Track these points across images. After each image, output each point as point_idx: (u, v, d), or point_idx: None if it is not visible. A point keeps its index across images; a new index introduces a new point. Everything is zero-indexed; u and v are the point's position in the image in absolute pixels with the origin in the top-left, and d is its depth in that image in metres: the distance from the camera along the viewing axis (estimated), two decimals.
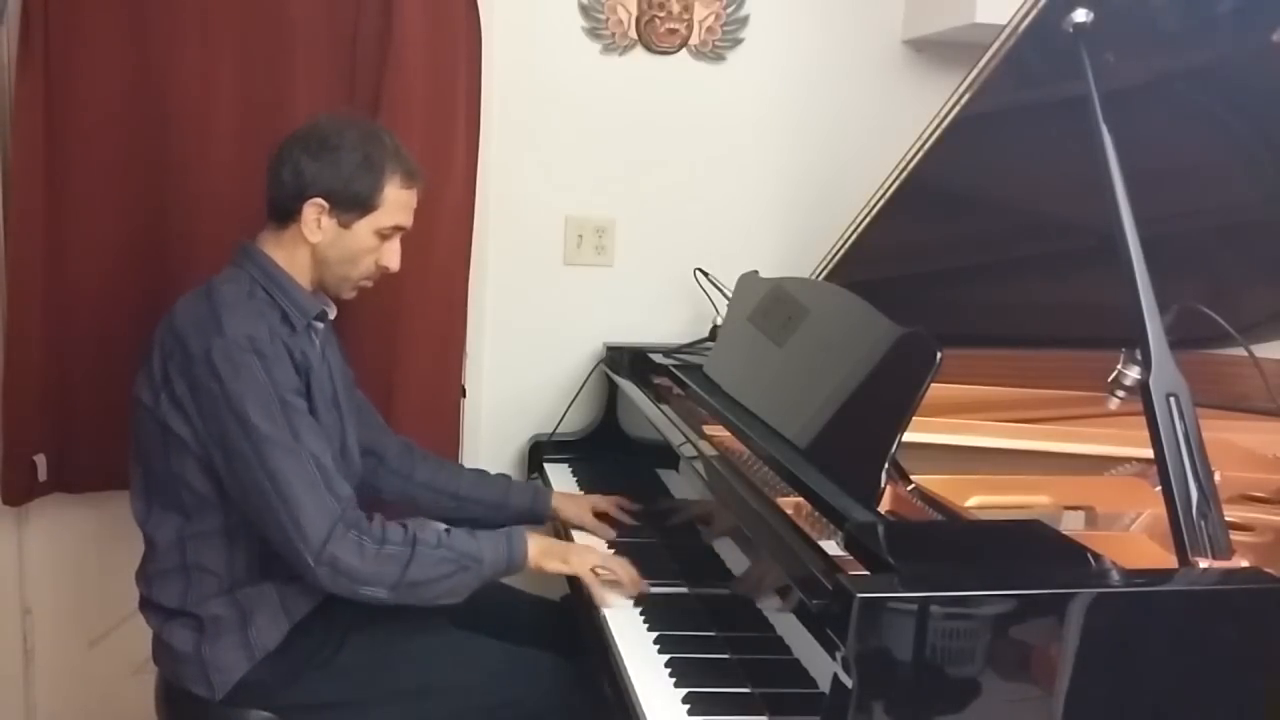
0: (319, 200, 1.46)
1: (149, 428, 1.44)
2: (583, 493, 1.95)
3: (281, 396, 1.39)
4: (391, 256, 1.54)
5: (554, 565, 1.50)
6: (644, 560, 1.55)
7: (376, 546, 1.39)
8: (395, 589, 1.39)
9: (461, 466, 1.89)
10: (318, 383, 1.50)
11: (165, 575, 1.48)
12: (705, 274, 2.13)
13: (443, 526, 1.51)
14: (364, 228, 1.49)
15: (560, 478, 2.06)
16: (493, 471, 1.89)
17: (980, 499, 1.35)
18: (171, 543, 1.47)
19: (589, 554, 1.53)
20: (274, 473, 1.36)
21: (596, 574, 1.49)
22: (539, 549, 1.50)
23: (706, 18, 2.18)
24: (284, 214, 1.49)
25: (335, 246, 1.50)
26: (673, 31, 2.17)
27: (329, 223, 1.48)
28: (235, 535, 1.45)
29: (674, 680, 1.27)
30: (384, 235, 1.52)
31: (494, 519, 1.73)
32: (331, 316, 1.59)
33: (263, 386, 1.37)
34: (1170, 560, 1.12)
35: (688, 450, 1.59)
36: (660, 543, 1.60)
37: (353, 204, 1.48)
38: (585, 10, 2.14)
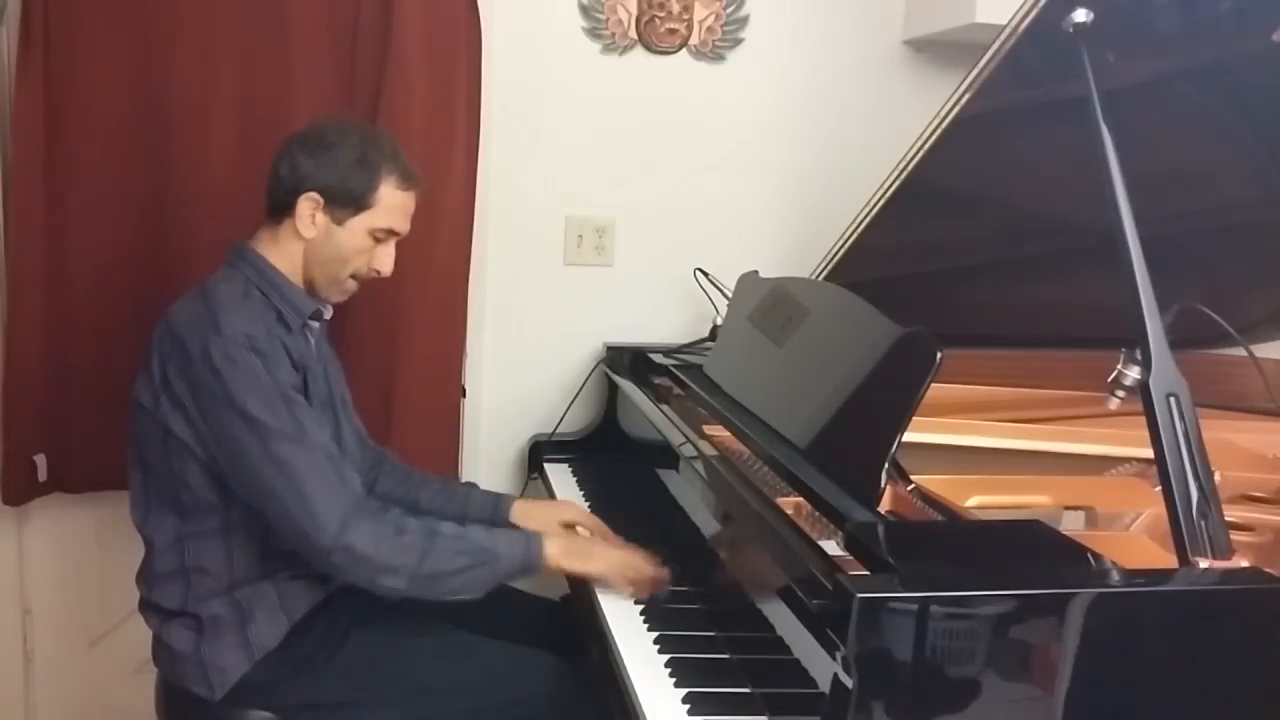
0: (314, 195, 1.46)
1: (149, 430, 1.44)
2: (581, 493, 1.95)
3: (283, 392, 1.39)
4: (384, 260, 1.54)
5: (578, 565, 1.49)
6: None
7: (394, 535, 1.38)
8: (413, 579, 1.38)
9: (427, 476, 1.80)
10: (314, 383, 1.50)
11: (165, 578, 1.48)
12: (705, 274, 2.13)
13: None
14: (358, 226, 1.49)
15: (560, 478, 2.06)
16: (494, 471, 1.89)
17: (980, 499, 1.35)
18: (170, 545, 1.47)
19: (612, 552, 1.52)
20: (282, 464, 1.36)
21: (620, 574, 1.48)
22: (560, 549, 1.49)
23: (706, 18, 2.18)
24: (279, 208, 1.49)
25: (328, 244, 1.49)
26: (673, 31, 2.17)
27: (323, 219, 1.48)
28: (234, 535, 1.45)
29: (674, 680, 1.27)
30: (377, 237, 1.51)
31: None
32: (327, 316, 1.59)
33: (263, 383, 1.37)
34: (1170, 560, 1.12)
35: (688, 450, 1.59)
36: (659, 543, 1.60)
37: (347, 200, 1.47)
38: (585, 10, 2.14)
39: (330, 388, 1.59)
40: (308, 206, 1.47)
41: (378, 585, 1.39)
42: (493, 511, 1.72)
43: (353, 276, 1.53)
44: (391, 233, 1.52)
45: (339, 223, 1.49)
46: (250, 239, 1.52)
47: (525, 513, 1.72)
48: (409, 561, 1.38)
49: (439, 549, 1.40)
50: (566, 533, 1.62)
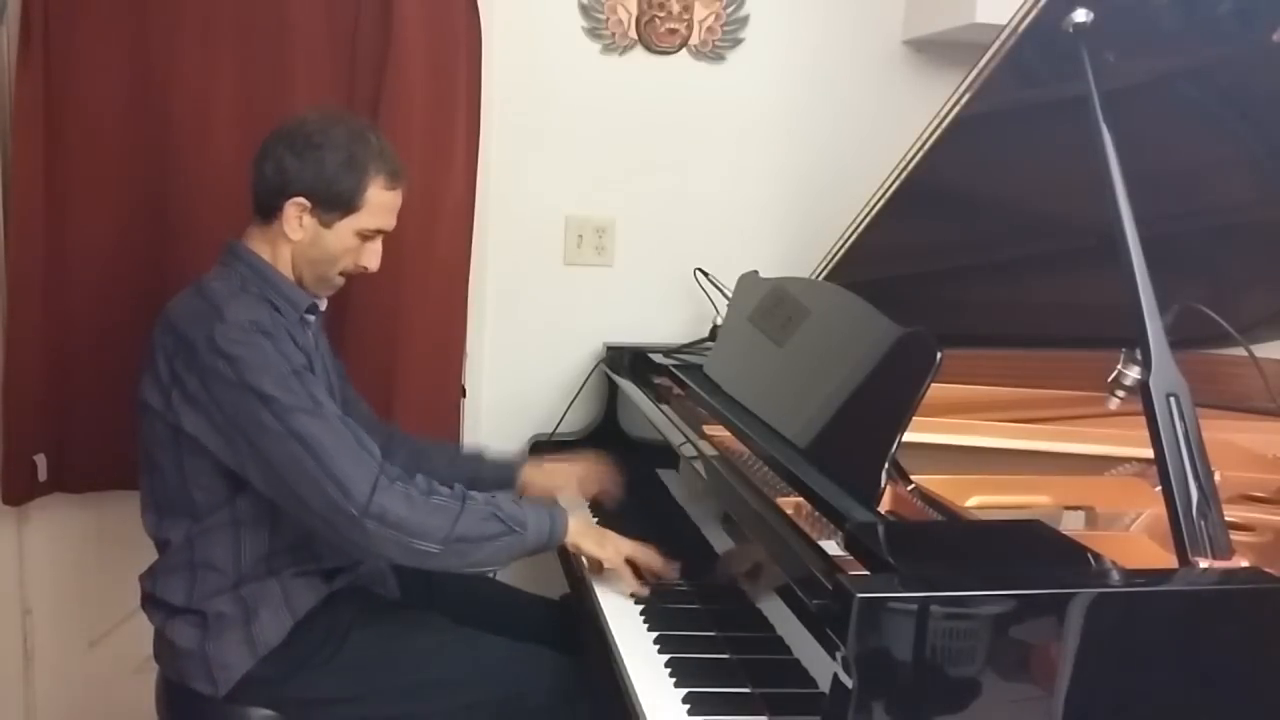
0: (300, 199, 1.45)
1: (159, 432, 1.44)
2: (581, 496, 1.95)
3: (294, 368, 1.38)
4: (371, 257, 1.53)
5: (589, 546, 1.50)
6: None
7: (424, 497, 1.38)
8: (445, 543, 1.37)
9: (441, 445, 1.84)
10: (317, 372, 1.50)
11: (171, 572, 1.48)
12: (705, 274, 2.13)
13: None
14: (345, 228, 1.48)
15: None
16: None
17: (980, 499, 1.35)
18: (181, 543, 1.47)
19: (623, 542, 1.52)
20: (305, 437, 1.35)
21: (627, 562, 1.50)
22: (577, 527, 1.50)
23: (706, 18, 2.18)
24: (267, 210, 1.48)
25: (315, 246, 1.49)
26: (673, 31, 2.17)
27: (310, 222, 1.47)
28: (243, 531, 1.46)
29: (674, 680, 1.27)
30: (365, 236, 1.50)
31: None
32: (322, 308, 1.58)
33: (273, 362, 1.37)
34: (1170, 560, 1.12)
35: (688, 450, 1.59)
36: (659, 543, 1.60)
37: (335, 204, 1.46)
38: (585, 10, 2.14)
39: (330, 382, 1.59)
40: (295, 210, 1.46)
41: (410, 551, 1.37)
42: (507, 474, 1.79)
43: (340, 273, 1.54)
44: (379, 231, 1.52)
45: (327, 225, 1.48)
46: (244, 236, 1.51)
47: (531, 477, 1.79)
48: (442, 524, 1.37)
49: (471, 512, 1.40)
50: (587, 515, 1.62)
